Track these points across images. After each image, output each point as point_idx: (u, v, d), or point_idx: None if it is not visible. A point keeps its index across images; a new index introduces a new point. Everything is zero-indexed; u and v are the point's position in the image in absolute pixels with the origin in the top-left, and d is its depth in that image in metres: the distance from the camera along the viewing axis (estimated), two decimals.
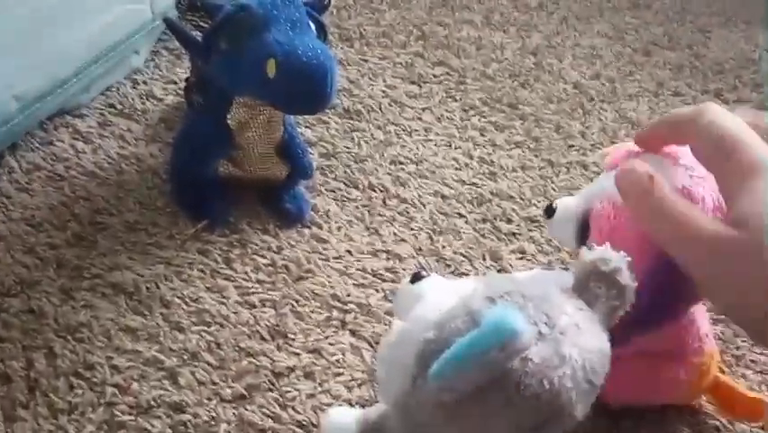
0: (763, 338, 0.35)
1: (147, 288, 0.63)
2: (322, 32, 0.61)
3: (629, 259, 0.40)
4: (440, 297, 0.42)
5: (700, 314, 0.56)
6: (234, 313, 0.62)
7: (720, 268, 0.32)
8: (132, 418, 0.53)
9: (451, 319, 0.39)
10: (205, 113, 0.67)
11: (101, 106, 0.81)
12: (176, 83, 0.85)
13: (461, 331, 0.37)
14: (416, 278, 0.47)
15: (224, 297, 0.63)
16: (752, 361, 0.64)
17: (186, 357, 0.58)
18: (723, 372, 0.60)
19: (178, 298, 0.62)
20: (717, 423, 0.59)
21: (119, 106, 0.81)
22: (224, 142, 0.66)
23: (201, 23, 0.62)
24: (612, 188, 0.50)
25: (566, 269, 0.70)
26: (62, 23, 0.69)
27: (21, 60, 0.66)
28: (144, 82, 0.85)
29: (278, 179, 0.70)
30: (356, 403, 0.57)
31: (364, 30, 1.01)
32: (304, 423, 0.55)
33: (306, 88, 0.55)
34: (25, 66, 0.67)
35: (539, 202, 0.78)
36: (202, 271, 0.65)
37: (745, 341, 0.66)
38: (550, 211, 0.55)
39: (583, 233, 0.52)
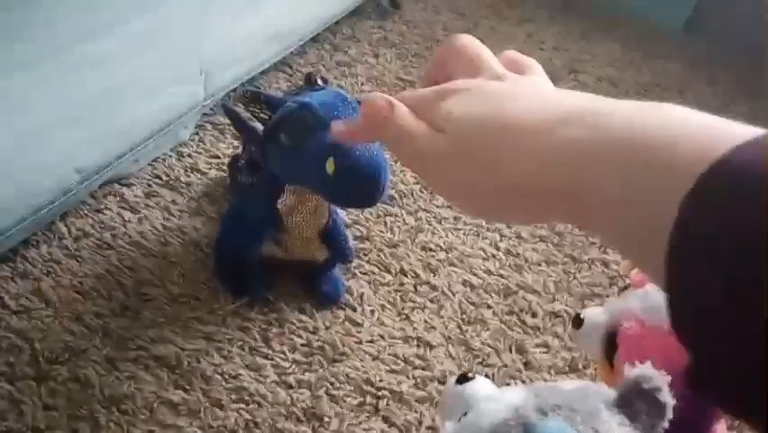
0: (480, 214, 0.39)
1: (188, 362, 0.65)
2: None
3: (669, 378, 0.43)
4: (491, 403, 0.45)
5: (721, 426, 0.58)
6: (272, 392, 0.64)
7: (435, 171, 0.35)
8: None
9: (505, 429, 0.41)
10: (255, 196, 0.71)
11: (148, 177, 0.84)
12: (219, 158, 0.89)
13: None
14: (462, 379, 0.50)
15: (261, 375, 0.65)
16: None
17: None
18: None
19: (218, 374, 0.64)
20: None
21: (165, 178, 0.85)
22: (273, 225, 0.69)
23: (261, 115, 0.65)
24: (638, 309, 0.54)
25: (588, 365, 0.73)
26: (123, 103, 0.74)
27: (84, 135, 0.69)
28: (189, 155, 0.89)
29: (317, 261, 0.73)
30: None
31: None
32: None
33: (362, 187, 0.59)
34: (87, 140, 0.70)
35: (562, 297, 0.81)
36: (241, 348, 0.67)
37: None
38: (578, 322, 0.58)
39: (610, 347, 0.55)
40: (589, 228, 0.32)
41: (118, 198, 0.81)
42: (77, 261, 0.72)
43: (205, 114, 0.95)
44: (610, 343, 0.55)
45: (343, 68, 1.13)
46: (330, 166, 0.58)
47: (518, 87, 0.35)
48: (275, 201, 0.68)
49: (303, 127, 0.60)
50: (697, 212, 0.24)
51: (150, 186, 0.84)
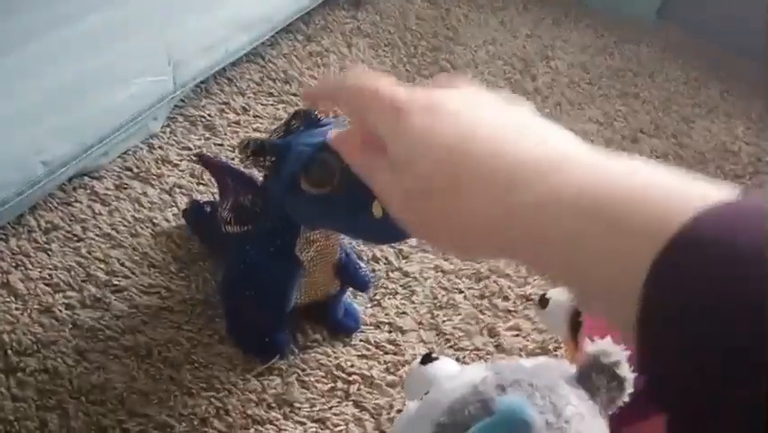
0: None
1: (159, 352, 0.65)
2: None
3: (628, 352, 0.44)
4: (452, 382, 0.45)
5: None
6: (242, 380, 0.64)
7: (398, 203, 0.35)
8: None
9: (464, 405, 0.42)
10: (267, 251, 0.63)
11: (118, 169, 0.84)
12: (190, 149, 0.89)
13: (474, 417, 0.40)
14: (426, 359, 0.51)
15: (232, 364, 0.65)
16: None
17: (195, 423, 0.60)
18: None
19: (189, 363, 0.64)
20: None
21: (135, 170, 0.84)
22: (298, 274, 0.63)
23: (266, 163, 0.57)
24: None
25: (560, 347, 0.74)
26: (91, 94, 0.73)
27: (52, 127, 0.69)
28: (160, 147, 0.88)
29: (330, 295, 0.69)
30: None
31: None
32: None
33: None
34: (54, 132, 0.70)
35: (534, 280, 0.81)
36: (211, 336, 0.67)
37: None
38: (543, 302, 0.59)
39: (574, 325, 0.56)
40: (552, 280, 0.34)
41: (88, 191, 0.80)
42: (47, 253, 0.72)
43: (176, 105, 0.95)
44: (574, 321, 0.56)
45: (316, 58, 1.13)
46: (378, 210, 0.52)
47: (472, 125, 0.34)
48: (293, 249, 0.62)
49: (327, 173, 0.53)
50: (661, 284, 0.24)
51: (120, 178, 0.83)
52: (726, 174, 1.08)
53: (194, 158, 0.87)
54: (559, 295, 0.59)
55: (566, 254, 0.29)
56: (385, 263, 0.80)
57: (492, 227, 0.31)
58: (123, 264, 0.72)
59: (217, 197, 0.70)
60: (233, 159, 0.89)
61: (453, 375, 0.46)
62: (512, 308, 0.78)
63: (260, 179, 0.64)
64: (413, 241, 0.83)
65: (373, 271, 0.78)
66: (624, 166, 0.29)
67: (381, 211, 0.51)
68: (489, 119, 0.34)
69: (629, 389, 0.45)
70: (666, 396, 0.25)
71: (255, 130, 0.95)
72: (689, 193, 0.26)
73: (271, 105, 1.01)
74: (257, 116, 0.98)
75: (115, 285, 0.70)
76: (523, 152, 0.32)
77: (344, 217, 0.55)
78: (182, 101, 0.96)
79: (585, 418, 0.42)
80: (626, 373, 0.44)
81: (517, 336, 0.74)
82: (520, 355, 0.72)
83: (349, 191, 0.52)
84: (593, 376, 0.44)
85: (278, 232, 0.61)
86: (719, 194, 0.25)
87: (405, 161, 0.35)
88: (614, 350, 0.44)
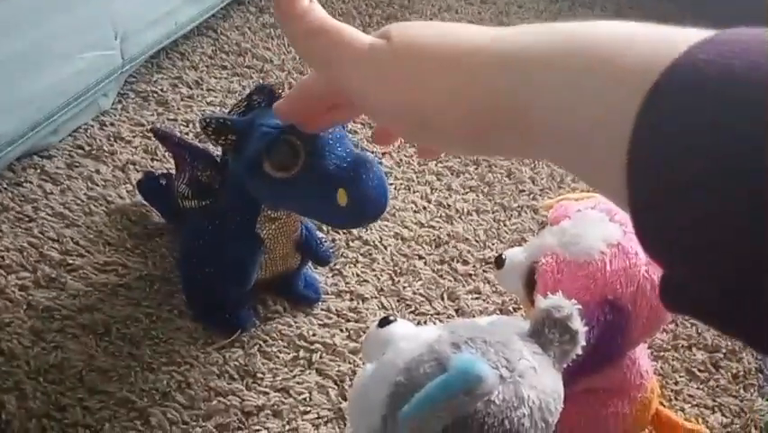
0: (414, 139, 0.36)
1: (117, 329, 0.64)
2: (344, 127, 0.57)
3: (580, 306, 0.45)
4: (408, 342, 0.46)
5: (641, 352, 0.61)
6: (203, 353, 0.64)
7: (373, 76, 0.32)
8: None
9: (419, 364, 0.42)
10: (226, 229, 0.62)
11: (69, 148, 0.82)
12: (143, 125, 0.87)
13: (429, 375, 0.41)
14: (383, 322, 0.51)
15: (192, 337, 0.65)
16: (689, 395, 0.70)
17: (157, 397, 0.60)
18: (663, 405, 0.65)
19: (149, 339, 0.64)
20: None
21: (87, 148, 0.83)
22: (259, 252, 0.62)
23: (228, 142, 0.55)
24: (555, 245, 0.55)
25: (519, 308, 0.75)
26: (34, 70, 0.71)
27: None
28: (112, 124, 0.87)
29: (292, 270, 0.68)
30: None
31: None
32: None
33: (375, 210, 0.53)
34: None
35: (493, 244, 0.82)
36: (170, 312, 0.67)
37: (683, 376, 0.71)
38: (500, 262, 0.60)
39: (530, 284, 0.57)
40: (534, 152, 0.30)
41: (38, 171, 0.78)
42: None
43: (127, 81, 0.93)
44: (530, 280, 0.57)
45: (269, 29, 1.11)
46: (342, 198, 0.51)
47: (424, 32, 0.33)
48: (254, 228, 0.61)
49: (292, 158, 0.52)
50: (657, 116, 0.22)
51: (71, 156, 0.81)
52: None
53: (148, 133, 0.86)
54: (515, 255, 0.60)
55: (560, 105, 0.26)
56: (345, 233, 0.80)
57: (476, 85, 0.29)
58: (77, 243, 0.71)
59: (173, 171, 0.69)
60: (187, 134, 0.88)
61: (410, 336, 0.47)
62: (471, 272, 0.78)
63: (218, 153, 0.63)
64: None
65: (333, 241, 0.78)
66: (600, 24, 0.27)
67: (346, 199, 0.51)
68: (439, 25, 0.33)
69: (581, 342, 0.46)
70: (659, 239, 0.24)
71: (209, 104, 0.94)
72: (675, 35, 0.24)
73: (225, 78, 1.00)
74: (210, 90, 0.97)
75: (70, 264, 0.69)
76: (486, 32, 0.31)
77: (307, 203, 0.54)
78: (133, 76, 0.94)
79: (538, 371, 0.43)
80: (578, 326, 0.45)
81: (477, 298, 0.75)
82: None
83: (313, 177, 0.52)
84: (546, 331, 0.45)
85: (238, 209, 0.60)
86: (706, 33, 0.23)
87: (381, 45, 0.33)
88: (565, 304, 0.45)
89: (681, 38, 0.23)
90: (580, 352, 0.46)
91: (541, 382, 0.43)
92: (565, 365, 0.46)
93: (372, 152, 0.60)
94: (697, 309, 0.24)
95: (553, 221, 0.58)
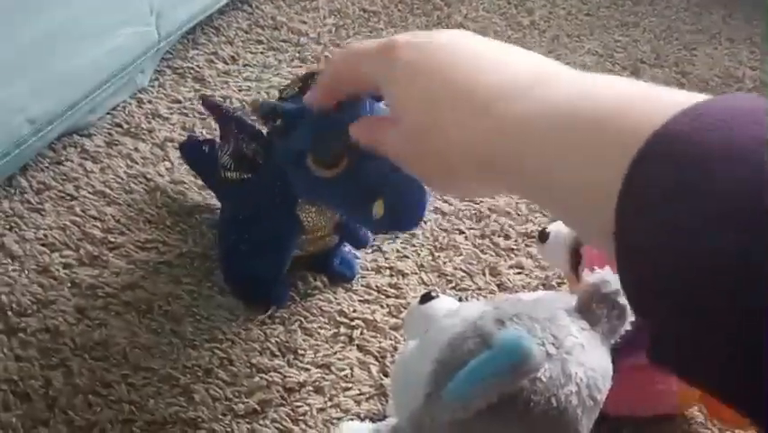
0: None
1: (159, 306, 0.64)
2: None
3: None
4: (451, 319, 0.44)
5: None
6: (245, 330, 0.64)
7: (404, 154, 0.39)
8: None
9: (463, 341, 0.41)
10: (267, 207, 0.62)
11: (108, 126, 0.82)
12: (180, 102, 0.87)
13: (474, 352, 0.40)
14: (425, 298, 0.50)
15: (233, 314, 0.65)
16: None
17: (200, 374, 0.60)
18: None
19: (190, 315, 0.64)
20: (709, 431, 0.61)
21: (125, 126, 0.83)
22: (296, 234, 0.62)
23: (277, 126, 0.54)
24: None
25: (563, 282, 0.73)
26: (70, 48, 0.71)
27: (33, 84, 0.67)
28: (149, 101, 0.87)
29: (329, 248, 0.68)
30: (365, 417, 0.59)
31: None
32: None
33: (412, 222, 0.53)
34: (37, 89, 0.68)
35: (535, 218, 0.80)
36: (211, 288, 0.67)
37: None
38: (543, 236, 0.58)
39: (575, 258, 0.55)
40: (534, 201, 0.34)
41: (78, 149, 0.79)
42: (41, 214, 0.71)
43: (163, 58, 0.93)
44: (575, 254, 0.56)
45: (305, 2, 1.10)
46: (379, 209, 0.50)
47: (453, 56, 0.35)
48: (294, 209, 0.60)
49: (335, 157, 0.50)
50: (639, 183, 0.24)
51: (110, 135, 0.82)
52: None
53: (185, 110, 0.86)
54: (559, 228, 0.58)
55: (543, 171, 0.29)
56: None
57: (471, 152, 0.32)
58: (118, 221, 0.72)
59: (217, 139, 0.69)
60: None
61: (452, 313, 0.46)
62: (513, 246, 0.77)
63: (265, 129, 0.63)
64: None
65: None
66: (599, 80, 0.29)
67: (382, 211, 0.50)
68: (471, 50, 0.35)
69: (630, 317, 0.44)
70: (643, 304, 0.25)
71: (245, 79, 0.93)
72: (664, 100, 0.25)
73: (261, 52, 0.99)
74: (246, 65, 0.96)
75: (112, 242, 0.69)
76: (501, 75, 0.32)
77: (343, 206, 0.54)
78: (169, 53, 0.93)
79: (586, 348, 0.42)
80: (626, 301, 0.43)
81: (519, 273, 0.74)
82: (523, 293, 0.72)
83: (353, 183, 0.51)
84: (593, 306, 0.43)
85: (279, 190, 0.59)
86: (696, 98, 0.25)
87: (396, 97, 0.36)
88: (613, 279, 0.43)
89: (671, 104, 0.25)
90: (628, 327, 0.45)
91: (588, 358, 0.41)
92: (613, 342, 0.45)
93: None
94: (681, 363, 0.25)
95: None
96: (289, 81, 0.60)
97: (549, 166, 0.29)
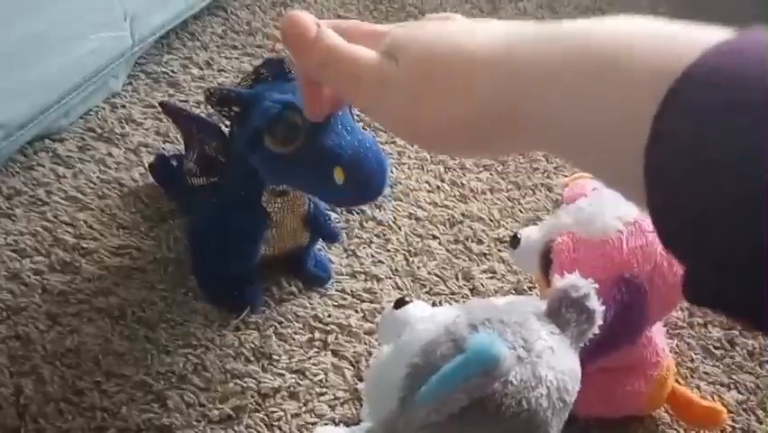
0: (430, 148, 0.37)
1: (132, 312, 0.64)
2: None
3: (596, 286, 0.44)
4: (425, 324, 0.45)
5: (657, 330, 0.60)
6: (219, 336, 0.64)
7: (381, 100, 0.34)
8: None
9: (436, 346, 0.42)
10: (233, 202, 0.62)
11: (81, 130, 0.82)
12: (154, 107, 0.87)
13: (447, 357, 0.40)
14: (399, 303, 0.51)
15: (208, 320, 0.65)
16: (705, 373, 0.69)
17: (173, 380, 0.60)
18: (679, 383, 0.64)
19: (164, 321, 0.64)
20: (675, 432, 0.63)
21: (99, 130, 0.82)
22: (265, 225, 0.63)
23: (232, 114, 0.56)
24: (570, 224, 0.55)
25: (534, 287, 0.74)
26: (43, 52, 0.71)
27: (4, 88, 0.67)
28: (123, 106, 0.86)
29: (301, 247, 0.69)
30: (339, 422, 0.59)
31: None
32: None
33: (372, 190, 0.53)
34: (9, 94, 0.68)
35: (507, 223, 0.82)
36: (186, 294, 0.67)
37: (699, 354, 0.71)
38: (515, 242, 0.59)
39: (545, 262, 0.57)
40: (556, 152, 0.31)
41: (50, 154, 0.78)
42: (11, 219, 0.71)
43: (137, 63, 0.92)
44: (545, 259, 0.57)
45: (279, 8, 1.10)
46: (339, 176, 0.51)
47: (456, 24, 0.34)
48: (260, 201, 0.61)
49: (292, 132, 0.52)
50: (673, 122, 0.23)
51: (83, 139, 0.81)
52: None
53: (159, 115, 0.85)
54: (530, 234, 0.59)
55: (569, 113, 0.27)
56: (358, 213, 0.79)
57: (491, 98, 0.30)
58: (90, 227, 0.71)
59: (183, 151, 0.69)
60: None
61: (426, 318, 0.46)
62: (486, 252, 0.78)
63: (226, 128, 0.63)
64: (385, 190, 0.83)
65: (347, 221, 0.78)
66: (613, 20, 0.27)
67: (343, 177, 0.51)
68: (464, 24, 0.34)
69: (598, 321, 0.45)
70: (677, 239, 0.24)
71: (220, 84, 0.93)
72: (692, 36, 0.24)
73: (236, 58, 0.99)
74: (221, 70, 0.96)
75: (84, 248, 0.69)
76: (510, 24, 0.31)
77: (305, 179, 0.54)
78: (144, 58, 0.93)
79: (556, 351, 0.42)
80: (595, 305, 0.44)
81: (492, 278, 0.75)
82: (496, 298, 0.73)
83: (311, 154, 0.52)
84: (563, 310, 0.44)
85: (243, 183, 0.60)
86: (724, 34, 0.23)
87: (394, 38, 0.34)
88: (582, 284, 0.44)
89: (696, 39, 0.23)
90: (597, 331, 0.46)
91: (558, 361, 0.42)
92: (582, 345, 0.46)
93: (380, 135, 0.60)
94: (716, 302, 0.24)
95: (569, 200, 0.57)
96: (244, 74, 0.61)
97: (576, 107, 0.27)
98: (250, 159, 0.56)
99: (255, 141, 0.53)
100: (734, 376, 0.69)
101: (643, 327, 0.55)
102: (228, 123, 0.60)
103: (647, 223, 0.53)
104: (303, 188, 0.58)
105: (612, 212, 0.53)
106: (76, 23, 0.74)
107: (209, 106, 0.55)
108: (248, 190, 0.60)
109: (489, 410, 0.40)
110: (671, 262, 0.52)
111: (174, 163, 0.73)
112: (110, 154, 0.80)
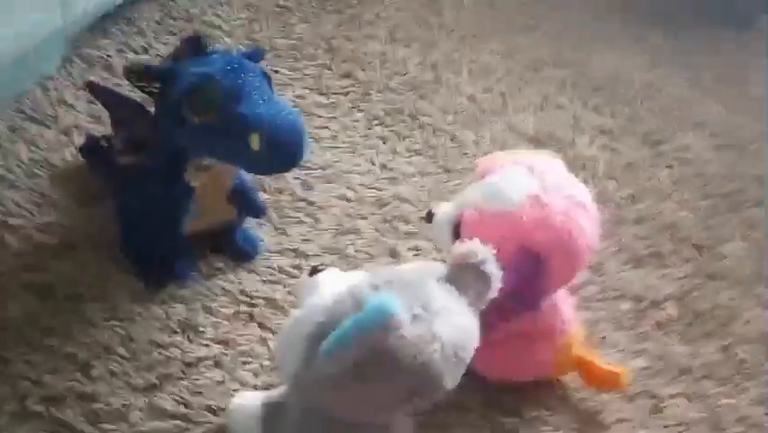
0: None
1: (61, 287, 0.65)
2: (266, 78, 0.60)
3: (495, 251, 0.47)
4: (332, 287, 0.48)
5: (564, 302, 0.64)
6: (146, 309, 0.66)
7: None
8: (44, 408, 0.56)
9: (339, 305, 0.45)
10: (158, 177, 0.64)
11: (11, 111, 0.82)
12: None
13: (348, 315, 0.43)
14: (314, 271, 0.53)
15: (135, 294, 0.67)
16: (614, 342, 0.74)
17: (98, 351, 0.61)
18: (587, 351, 0.68)
19: (92, 296, 0.65)
20: (583, 394, 0.67)
21: (29, 112, 0.83)
22: (189, 199, 0.65)
23: (152, 89, 0.58)
24: (478, 198, 0.58)
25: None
26: None
27: None
28: (56, 89, 0.87)
29: (230, 222, 0.71)
30: (263, 389, 0.61)
31: (275, 42, 1.06)
32: (213, 408, 0.59)
33: (289, 156, 0.56)
34: None
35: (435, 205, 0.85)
36: (114, 269, 0.68)
37: (609, 325, 0.75)
38: (429, 217, 0.63)
39: (457, 235, 0.60)
40: None
41: None
42: None
43: (73, 46, 0.93)
44: (456, 232, 0.60)
45: None
46: (255, 143, 0.53)
47: None
48: (183, 176, 0.63)
49: (210, 102, 0.55)
50: None
51: (13, 120, 0.81)
52: (617, 101, 1.13)
53: (93, 98, 0.86)
54: (443, 209, 0.62)
55: None
56: (289, 194, 0.82)
57: None
58: (18, 205, 0.72)
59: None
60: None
61: (335, 281, 0.49)
62: (413, 230, 0.81)
63: (152, 107, 0.65)
64: (317, 172, 0.85)
65: (277, 201, 0.80)
66: None
67: (258, 144, 0.53)
68: None
69: (496, 285, 0.48)
70: None
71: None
72: None
73: (173, 44, 0.99)
74: (158, 56, 0.97)
75: (11, 225, 0.69)
76: None
77: (224, 149, 0.57)
78: (79, 41, 0.93)
79: (453, 311, 0.46)
80: (492, 270, 0.47)
81: (417, 254, 0.78)
82: None
83: (228, 122, 0.54)
84: (461, 274, 0.48)
85: (168, 157, 0.62)
86: None
87: None
88: (480, 249, 0.47)
89: None
90: (496, 295, 0.49)
91: (454, 321, 0.45)
92: (483, 307, 0.49)
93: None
94: None
95: (480, 176, 0.61)
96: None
97: None
98: (173, 132, 0.58)
99: (176, 112, 0.56)
100: (640, 345, 0.74)
101: (543, 294, 0.59)
102: (152, 101, 0.61)
103: (548, 196, 0.56)
104: (224, 158, 0.60)
105: (515, 186, 0.57)
106: (5, 2, 0.74)
107: (129, 83, 0.56)
108: (172, 166, 0.62)
109: (384, 364, 0.43)
110: (570, 233, 0.56)
111: (104, 144, 0.74)
112: (41, 135, 0.80)
